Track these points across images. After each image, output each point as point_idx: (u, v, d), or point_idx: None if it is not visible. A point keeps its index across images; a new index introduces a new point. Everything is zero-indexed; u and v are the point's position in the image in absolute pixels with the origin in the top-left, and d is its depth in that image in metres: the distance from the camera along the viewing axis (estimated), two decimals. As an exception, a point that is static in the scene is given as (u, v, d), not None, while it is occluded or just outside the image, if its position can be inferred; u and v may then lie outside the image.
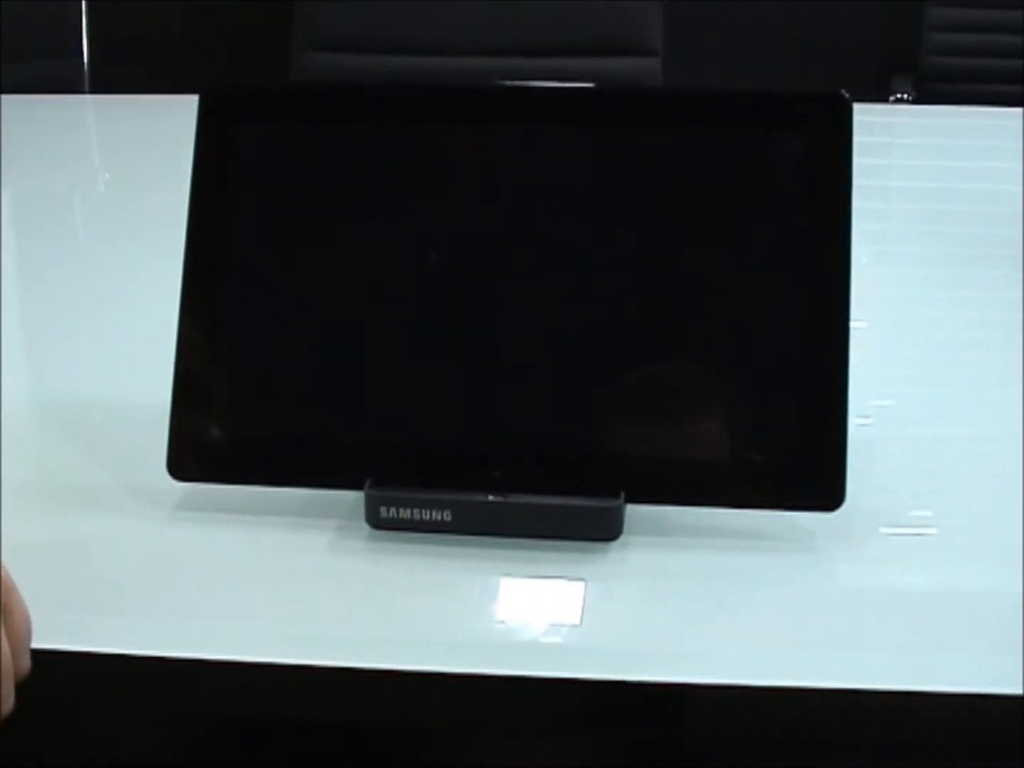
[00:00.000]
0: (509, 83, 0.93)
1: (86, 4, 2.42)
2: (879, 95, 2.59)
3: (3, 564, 0.66)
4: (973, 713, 0.77)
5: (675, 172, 0.90)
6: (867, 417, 1.01)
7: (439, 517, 0.87)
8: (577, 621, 0.82)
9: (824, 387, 0.87)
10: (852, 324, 0.87)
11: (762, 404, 0.88)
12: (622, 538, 0.88)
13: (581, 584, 0.85)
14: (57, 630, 0.77)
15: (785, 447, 0.87)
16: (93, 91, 2.40)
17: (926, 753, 0.79)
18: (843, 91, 0.89)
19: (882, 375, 1.13)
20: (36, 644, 0.68)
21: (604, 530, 0.87)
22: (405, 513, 0.88)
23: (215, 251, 0.92)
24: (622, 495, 0.87)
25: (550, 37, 2.29)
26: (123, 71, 2.65)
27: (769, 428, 0.88)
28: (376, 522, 0.88)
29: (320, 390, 0.91)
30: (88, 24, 2.46)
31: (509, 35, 2.30)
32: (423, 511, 0.87)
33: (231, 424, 0.91)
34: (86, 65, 2.45)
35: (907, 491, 0.95)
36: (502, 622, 0.83)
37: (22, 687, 0.66)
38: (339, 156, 0.93)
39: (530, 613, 0.83)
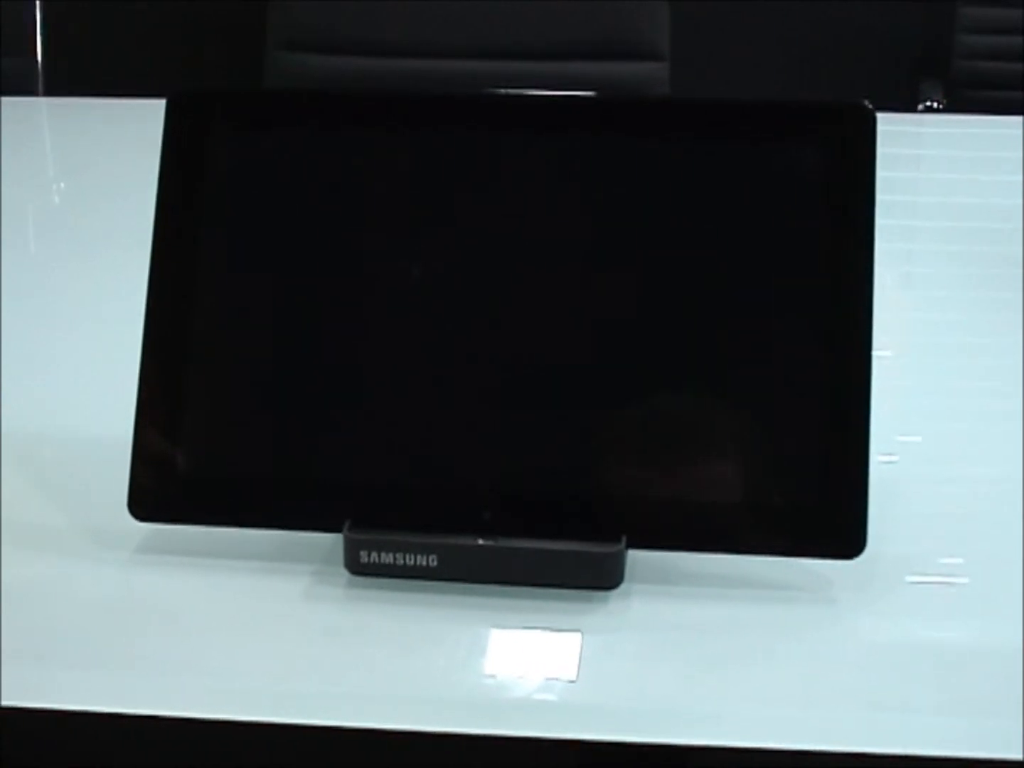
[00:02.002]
0: (503, 91, 0.94)
1: (40, -4, 2.43)
2: (907, 103, 2.60)
3: None
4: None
5: (683, 190, 0.91)
6: (891, 454, 1.01)
7: (424, 562, 0.88)
8: (573, 677, 0.82)
9: (844, 422, 0.88)
10: (876, 353, 0.88)
11: (776, 441, 0.89)
12: (623, 586, 0.88)
13: (578, 636, 0.85)
14: (4, 683, 0.78)
15: (801, 488, 0.87)
16: (47, 93, 2.41)
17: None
18: (866, 101, 0.90)
19: (908, 408, 1.13)
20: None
21: (603, 578, 0.88)
22: (387, 558, 0.88)
23: (182, 270, 0.93)
24: (623, 540, 0.87)
25: (548, 39, 2.30)
26: (81, 71, 2.66)
27: (784, 467, 0.88)
28: (356, 567, 0.89)
29: (295, 424, 0.92)
30: (43, 18, 2.46)
31: (503, 36, 2.31)
32: (407, 556, 0.88)
33: (198, 460, 0.92)
34: (40, 64, 2.45)
35: (935, 536, 0.96)
36: (492, 677, 0.84)
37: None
38: (317, 166, 0.94)
39: (522, 668, 0.84)
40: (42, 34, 2.45)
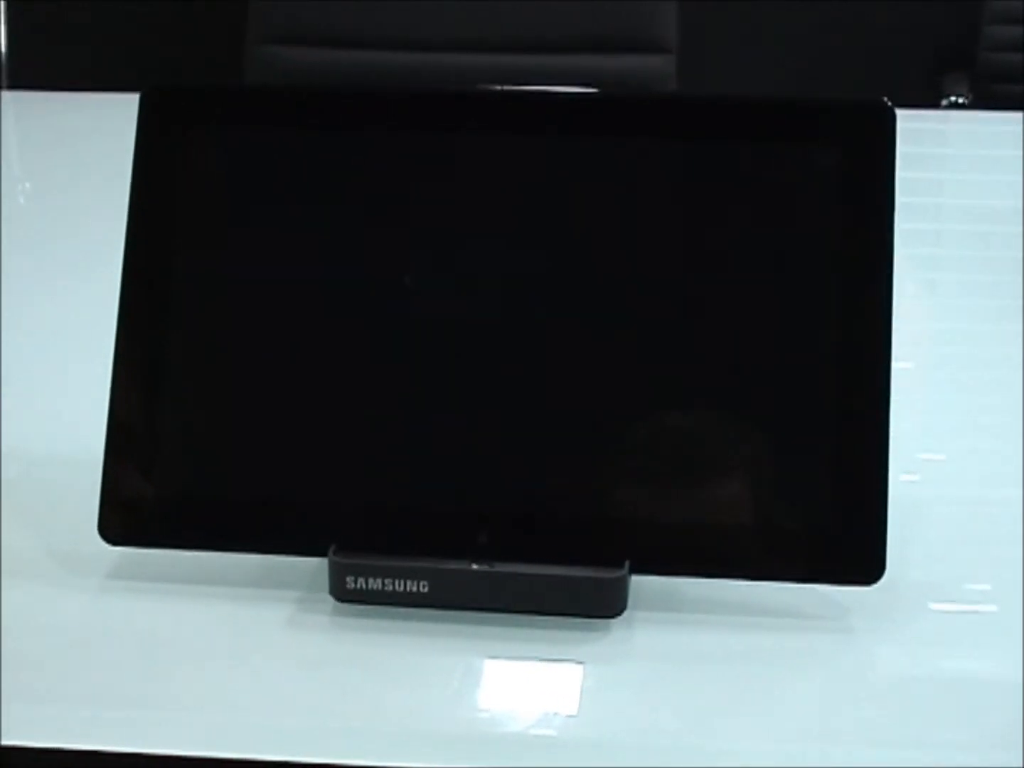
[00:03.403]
0: (498, 87, 0.95)
1: (5, -15, 2.44)
2: (930, 98, 2.61)
3: None
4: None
5: (690, 192, 0.92)
6: (913, 473, 1.02)
7: (414, 588, 0.88)
8: (574, 710, 0.82)
9: (862, 439, 0.88)
10: (896, 365, 0.88)
11: (788, 459, 0.89)
12: (626, 614, 0.88)
13: (579, 667, 0.85)
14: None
15: (815, 510, 0.88)
16: (12, 86, 2.41)
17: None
18: (885, 97, 0.90)
19: (931, 424, 1.13)
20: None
21: (606, 605, 0.88)
22: (375, 584, 0.88)
23: (156, 277, 0.93)
24: (627, 564, 0.88)
25: (547, 30, 2.30)
26: (49, 64, 2.66)
27: (797, 487, 0.89)
28: (341, 594, 0.89)
29: (276, 441, 0.92)
30: (6, 8, 2.47)
31: (500, 28, 2.31)
32: (396, 581, 0.88)
33: (173, 479, 0.92)
34: (4, 56, 2.46)
35: (960, 561, 0.96)
36: (487, 711, 0.84)
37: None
38: (299, 167, 0.94)
39: (519, 701, 0.84)
40: (7, 24, 2.46)
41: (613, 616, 0.88)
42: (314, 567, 0.90)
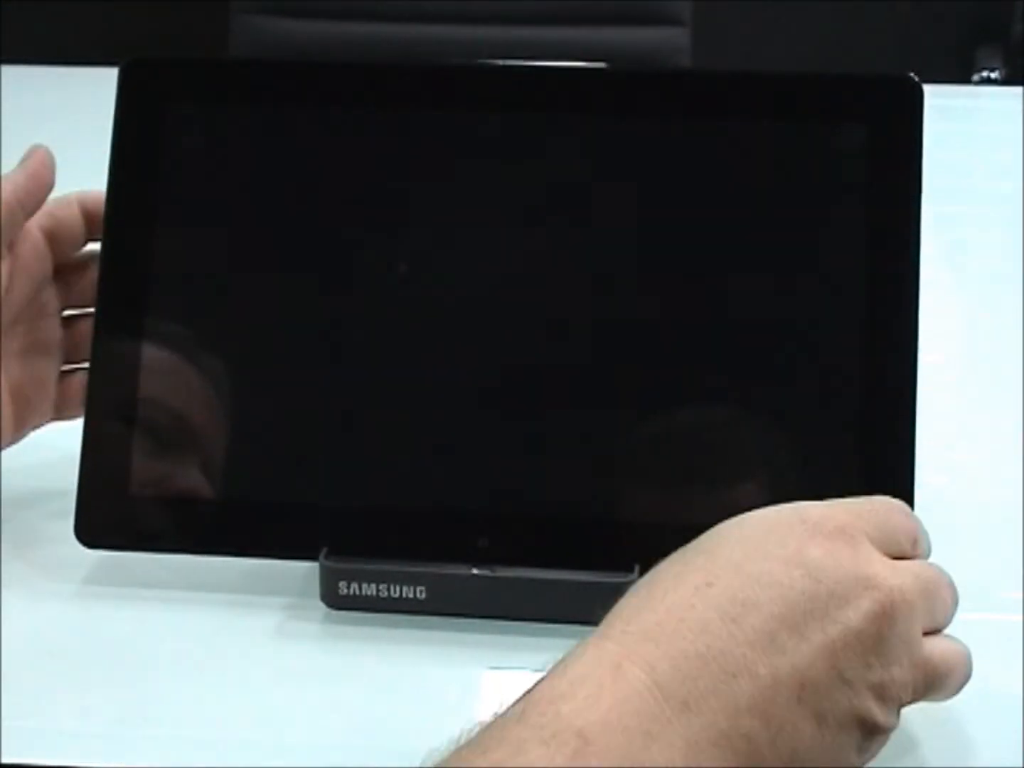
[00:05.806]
0: (500, 62, 0.95)
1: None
2: (961, 73, 2.61)
3: None
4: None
5: (704, 174, 0.92)
6: (942, 474, 1.02)
7: (411, 595, 0.88)
8: (581, 725, 0.82)
9: (885, 438, 0.88)
10: (923, 358, 0.88)
11: (807, 460, 0.89)
12: (637, 622, 0.88)
13: (586, 679, 0.85)
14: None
15: (837, 512, 0.88)
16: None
17: None
18: (912, 72, 0.90)
19: (961, 422, 1.13)
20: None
21: (615, 612, 0.88)
22: (369, 589, 0.89)
23: (136, 261, 0.94)
24: (637, 569, 0.88)
25: (551, 1, 2.30)
26: (23, 34, 2.67)
27: (816, 490, 0.88)
28: (334, 600, 0.89)
29: (263, 438, 0.92)
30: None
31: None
32: (391, 587, 0.88)
33: (154, 479, 0.92)
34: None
35: (992, 567, 0.96)
36: (488, 726, 0.84)
37: None
38: (287, 146, 0.94)
39: (522, 715, 0.84)
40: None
41: (622, 624, 0.88)
42: (304, 572, 0.91)
